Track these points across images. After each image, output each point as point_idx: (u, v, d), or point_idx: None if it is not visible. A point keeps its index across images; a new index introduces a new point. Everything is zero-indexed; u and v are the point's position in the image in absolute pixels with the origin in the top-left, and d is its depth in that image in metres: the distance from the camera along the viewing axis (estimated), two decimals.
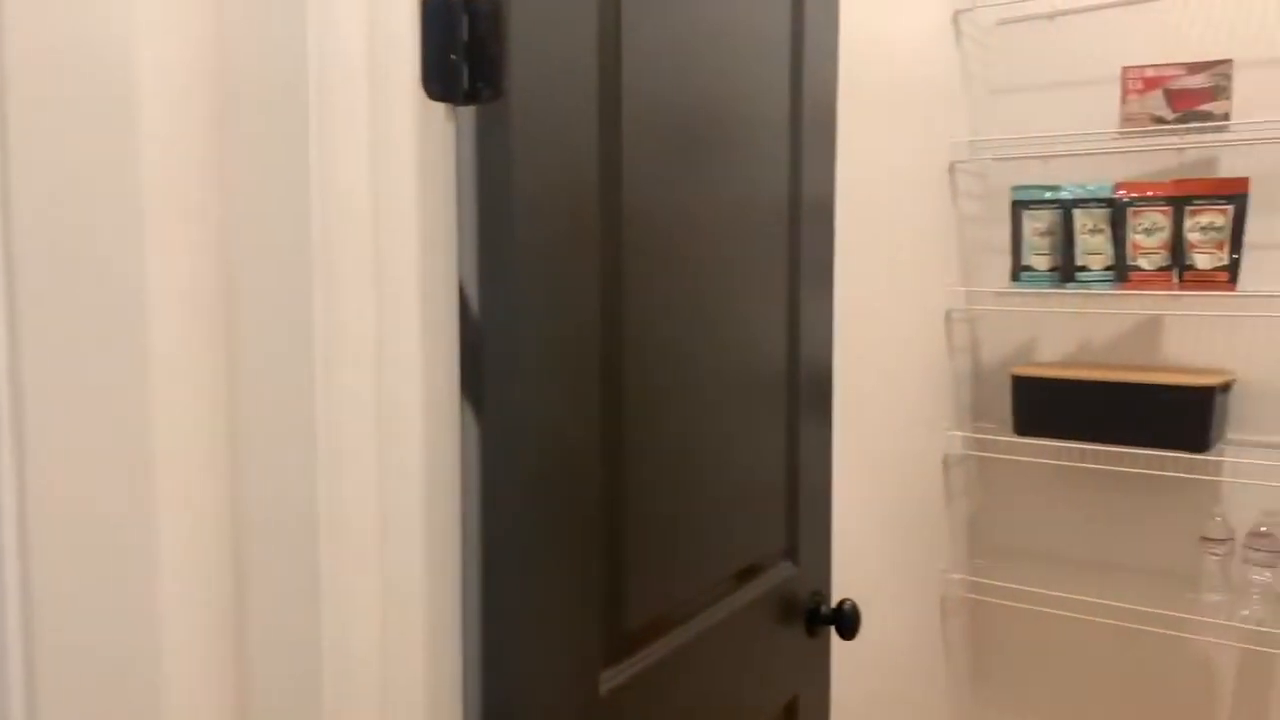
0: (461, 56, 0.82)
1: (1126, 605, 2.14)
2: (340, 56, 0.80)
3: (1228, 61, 2.01)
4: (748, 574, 1.23)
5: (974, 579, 2.33)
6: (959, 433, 2.27)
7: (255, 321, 0.75)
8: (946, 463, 2.29)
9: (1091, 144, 2.20)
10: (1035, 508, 2.38)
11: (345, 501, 0.85)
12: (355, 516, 0.84)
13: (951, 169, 2.26)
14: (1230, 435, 2.11)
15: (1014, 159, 2.32)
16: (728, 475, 1.17)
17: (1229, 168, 2.13)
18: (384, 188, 0.81)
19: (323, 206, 0.81)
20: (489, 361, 0.87)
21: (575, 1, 0.89)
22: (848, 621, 1.37)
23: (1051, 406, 2.15)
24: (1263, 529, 2.01)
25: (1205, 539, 2.08)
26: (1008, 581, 2.29)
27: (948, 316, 2.28)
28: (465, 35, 0.82)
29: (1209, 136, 2.05)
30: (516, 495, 0.87)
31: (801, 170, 1.32)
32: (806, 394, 1.35)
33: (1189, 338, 2.19)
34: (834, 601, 1.46)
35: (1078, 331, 2.32)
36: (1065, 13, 2.28)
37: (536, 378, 0.88)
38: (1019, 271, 2.20)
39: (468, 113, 0.84)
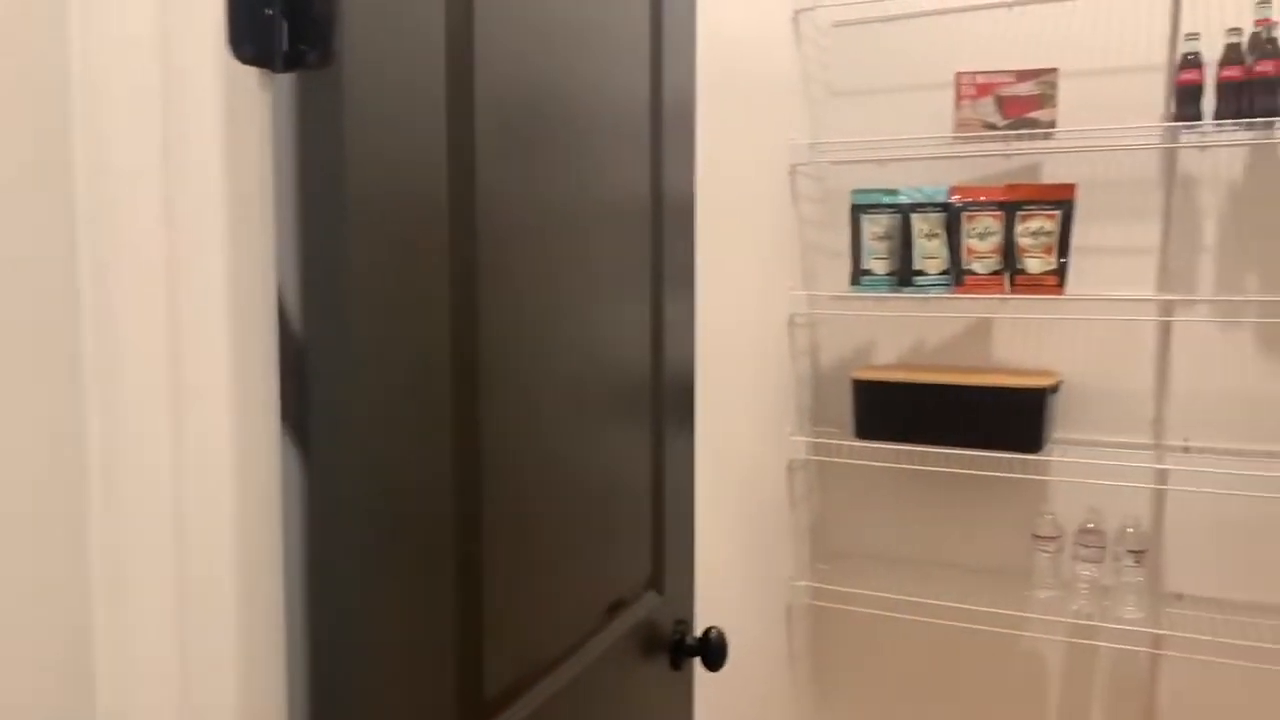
0: (280, 11, 0.66)
1: (963, 605, 2.17)
2: (115, 9, 0.63)
3: (1054, 70, 2.07)
4: (613, 610, 1.11)
5: (818, 585, 2.31)
6: (802, 438, 2.24)
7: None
8: (790, 468, 2.26)
9: (927, 149, 2.21)
10: (876, 510, 2.38)
11: (130, 562, 0.67)
12: (144, 579, 0.67)
13: (792, 171, 2.22)
14: (1058, 434, 2.17)
15: (851, 162, 2.31)
16: (594, 503, 1.05)
17: (1053, 173, 2.19)
18: (178, 173, 0.64)
19: (91, 195, 0.63)
20: (315, 387, 0.71)
21: None
22: (714, 652, 1.27)
23: (891, 410, 2.15)
24: (1090, 525, 2.07)
25: (1036, 537, 2.13)
26: (850, 586, 2.28)
27: (790, 321, 2.25)
28: None
29: (1037, 143, 2.10)
30: (352, 552, 0.71)
31: (663, 170, 1.22)
32: (671, 407, 1.25)
33: (1019, 339, 2.24)
34: (697, 628, 1.37)
35: (914, 334, 2.34)
36: (899, 17, 2.29)
37: (374, 406, 0.73)
38: (859, 276, 2.18)
39: (287, 81, 0.68)
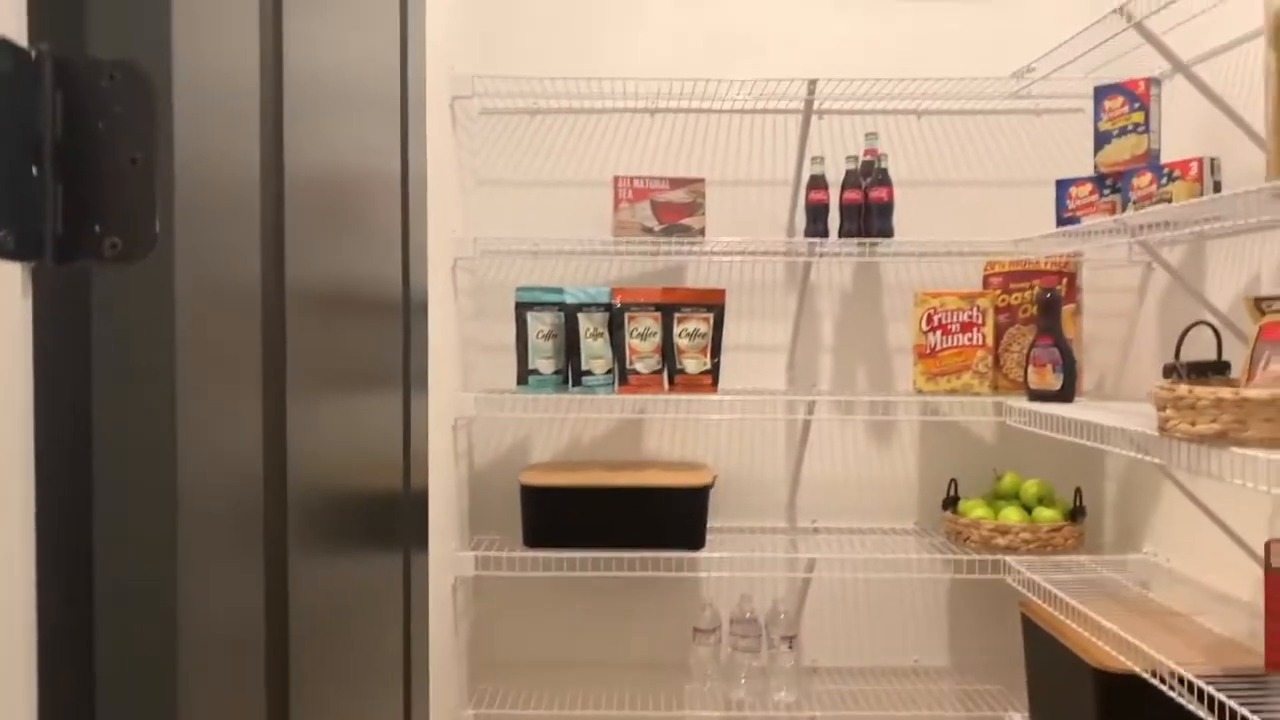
0: (52, 180, 0.42)
1: (625, 712, 2.17)
2: None
3: (702, 180, 2.17)
4: None
5: (483, 712, 2.17)
6: (468, 553, 2.08)
7: None
8: (456, 585, 2.10)
9: (587, 247, 2.20)
10: (542, 618, 2.30)
11: None
12: None
13: (454, 266, 2.09)
14: (711, 525, 2.25)
15: (510, 252, 2.24)
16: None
17: (697, 274, 2.29)
18: None
19: None
20: None
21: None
22: None
23: (559, 515, 2.09)
24: (746, 615, 2.17)
25: (697, 630, 2.18)
26: (516, 708, 2.17)
27: (455, 423, 2.10)
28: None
29: (687, 248, 2.18)
30: None
31: (410, 273, 1.05)
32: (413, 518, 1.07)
33: (671, 433, 2.30)
34: None
35: (570, 430, 2.31)
36: (552, 111, 2.27)
37: None
38: (526, 375, 2.10)
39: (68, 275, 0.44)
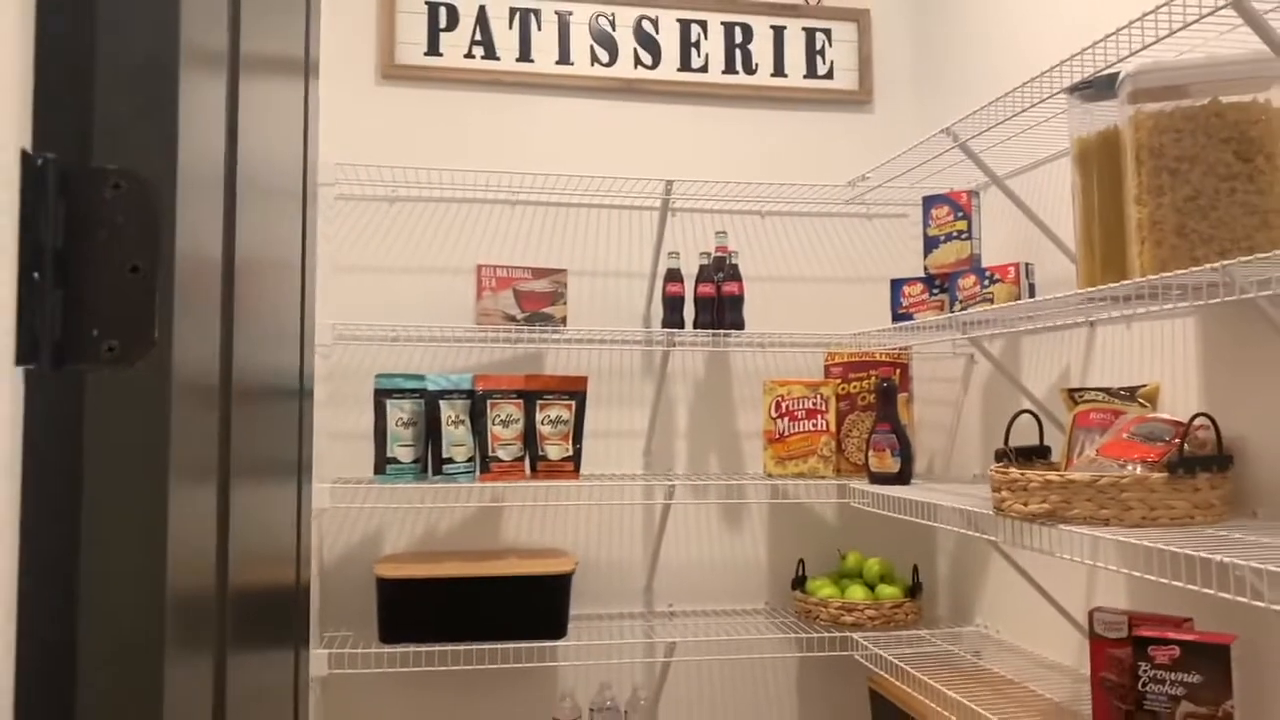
0: (51, 285, 0.42)
1: None
2: None
3: (564, 270, 2.22)
4: None
5: None
6: (321, 650, 2.00)
7: None
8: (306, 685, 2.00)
9: (450, 334, 2.21)
10: (398, 717, 2.21)
11: None
12: None
13: None
14: (571, 612, 2.25)
15: (368, 340, 2.21)
16: None
17: (557, 361, 2.33)
18: None
19: None
20: None
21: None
22: None
23: (417, 608, 2.04)
24: (607, 703, 2.16)
25: None
26: None
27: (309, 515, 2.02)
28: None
29: (549, 336, 2.22)
30: None
31: (304, 360, 1.04)
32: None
33: (531, 520, 2.30)
34: None
35: (426, 519, 2.27)
36: (412, 200, 2.29)
37: None
38: (384, 464, 2.06)
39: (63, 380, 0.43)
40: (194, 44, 0.52)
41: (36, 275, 0.41)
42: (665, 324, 2.26)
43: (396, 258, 2.29)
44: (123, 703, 0.42)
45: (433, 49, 2.34)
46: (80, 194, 0.42)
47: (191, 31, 0.52)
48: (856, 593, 2.23)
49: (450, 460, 2.09)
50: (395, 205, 2.30)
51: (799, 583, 2.31)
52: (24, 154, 0.40)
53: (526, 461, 2.14)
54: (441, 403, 2.09)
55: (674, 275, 2.27)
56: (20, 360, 0.40)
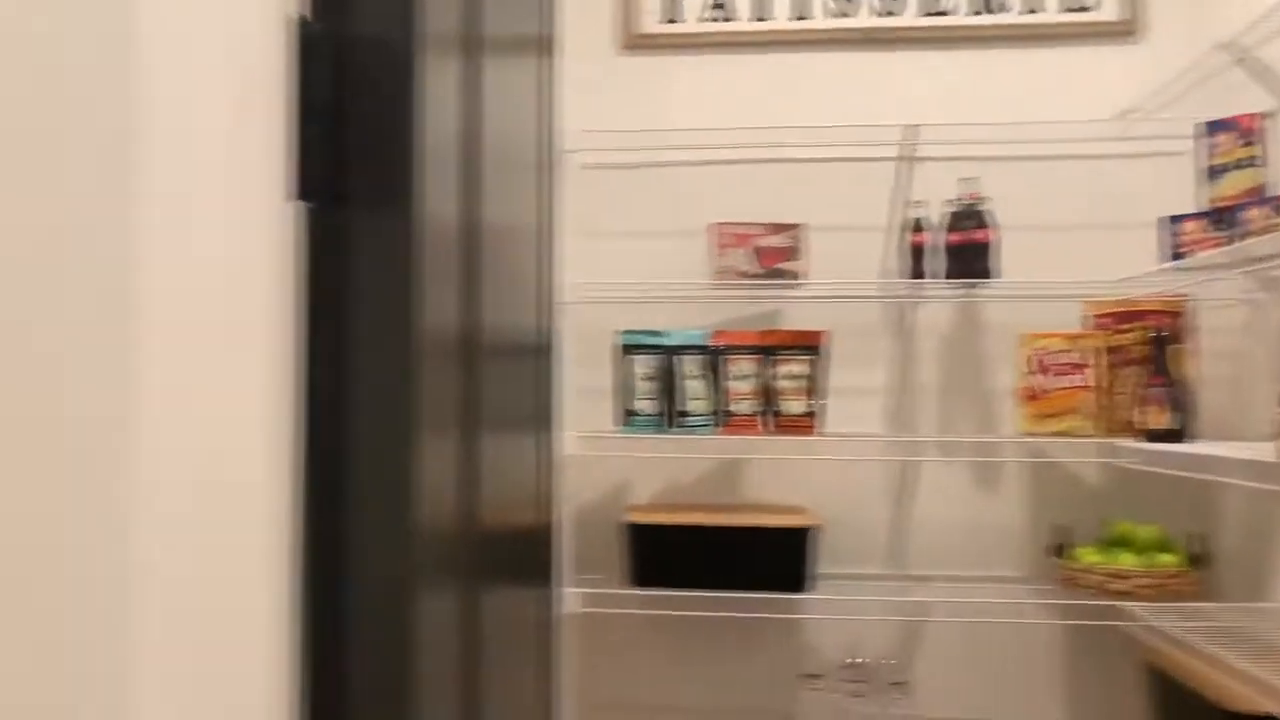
0: (332, 148, 0.47)
1: None
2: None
3: (801, 225, 2.20)
4: None
5: None
6: (574, 589, 2.10)
7: None
8: (559, 621, 2.11)
9: (686, 293, 2.25)
10: (643, 659, 2.29)
11: None
12: None
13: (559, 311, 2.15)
14: (817, 571, 2.23)
15: (608, 301, 2.30)
16: None
17: (794, 321, 2.32)
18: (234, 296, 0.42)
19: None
20: None
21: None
22: None
23: (664, 554, 2.09)
24: (854, 660, 2.13)
25: (804, 675, 2.15)
26: None
27: (558, 464, 2.13)
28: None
29: (788, 291, 2.21)
30: None
31: (545, 319, 1.10)
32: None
33: (772, 476, 2.30)
34: None
35: (668, 472, 2.33)
36: (649, 165, 2.34)
37: None
38: (628, 417, 2.14)
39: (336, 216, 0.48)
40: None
41: (313, 128, 0.46)
42: (909, 276, 2.18)
43: (637, 220, 2.35)
44: (385, 608, 0.47)
45: (671, 16, 2.38)
46: (344, 59, 0.47)
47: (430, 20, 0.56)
48: (1127, 560, 2.06)
49: (688, 414, 2.13)
50: (636, 171, 2.36)
51: (1058, 550, 2.16)
52: (302, 19, 0.45)
53: (766, 417, 2.15)
54: (681, 358, 2.13)
55: (918, 225, 2.18)
56: (301, 197, 0.45)
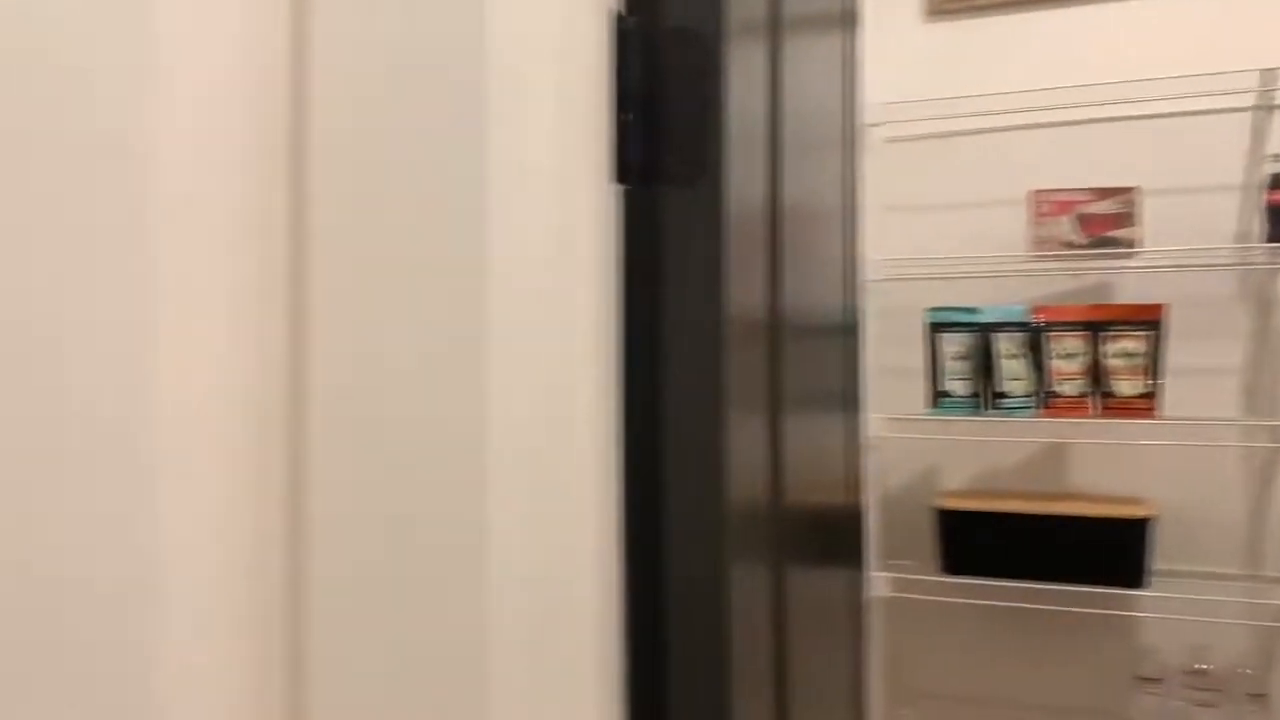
0: (641, 125, 0.51)
1: None
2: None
3: (1134, 189, 2.01)
4: None
5: None
6: (882, 574, 2.07)
7: None
8: (868, 606, 2.09)
9: (1001, 267, 2.14)
10: (957, 648, 2.22)
11: None
12: None
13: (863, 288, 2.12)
14: (1155, 567, 2.05)
15: (915, 279, 2.23)
16: None
17: (1129, 293, 2.12)
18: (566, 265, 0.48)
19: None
20: None
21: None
22: None
23: (979, 542, 2.01)
24: (1200, 666, 1.93)
25: (1141, 678, 1.98)
26: None
27: (864, 446, 2.11)
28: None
29: (1120, 262, 2.03)
30: None
31: (850, 298, 1.10)
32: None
33: (1098, 464, 2.13)
34: None
35: (983, 458, 2.22)
36: (959, 134, 2.24)
37: None
38: (938, 398, 2.07)
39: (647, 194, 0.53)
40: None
41: (626, 114, 0.50)
42: (1269, 239, 1.93)
43: (946, 193, 2.27)
44: (699, 574, 0.50)
45: None
46: (656, 50, 0.50)
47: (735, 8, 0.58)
48: None
49: (1006, 395, 2.02)
50: (945, 141, 2.28)
51: None
52: (618, 16, 0.49)
53: (1094, 398, 1.99)
54: (997, 335, 2.03)
55: (1276, 182, 1.92)
56: (619, 180, 0.50)
